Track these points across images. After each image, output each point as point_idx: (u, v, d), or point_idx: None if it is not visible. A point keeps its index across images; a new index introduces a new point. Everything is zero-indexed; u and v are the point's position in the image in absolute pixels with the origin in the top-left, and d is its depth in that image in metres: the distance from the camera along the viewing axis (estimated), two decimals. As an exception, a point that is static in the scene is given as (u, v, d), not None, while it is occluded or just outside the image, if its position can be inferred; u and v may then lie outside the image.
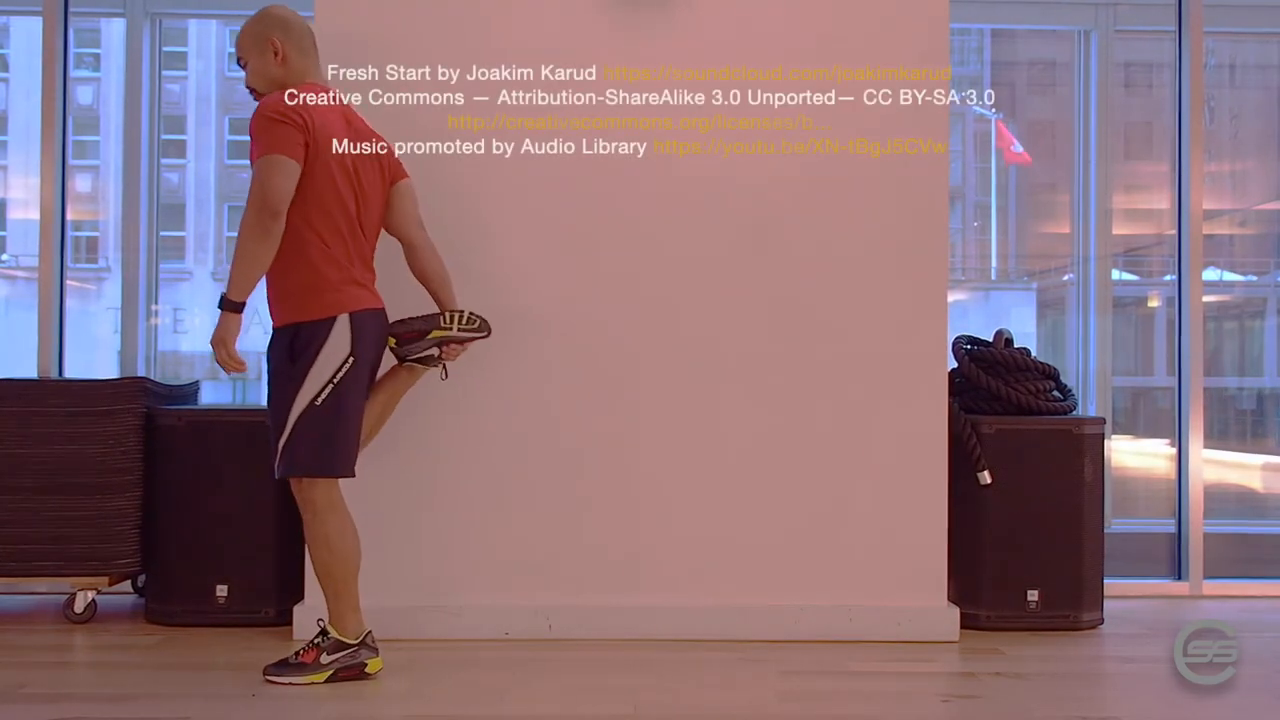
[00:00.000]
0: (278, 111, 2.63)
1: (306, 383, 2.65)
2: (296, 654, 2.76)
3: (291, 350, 2.68)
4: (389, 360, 2.91)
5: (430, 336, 2.87)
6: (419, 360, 2.90)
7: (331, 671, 2.73)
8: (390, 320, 2.86)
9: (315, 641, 2.76)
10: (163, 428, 3.35)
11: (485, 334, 2.92)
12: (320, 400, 2.66)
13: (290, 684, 2.71)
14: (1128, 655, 3.14)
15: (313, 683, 2.71)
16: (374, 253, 2.86)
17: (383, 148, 2.87)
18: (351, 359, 2.68)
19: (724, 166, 3.21)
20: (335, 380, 2.67)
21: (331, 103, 2.77)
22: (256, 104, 2.73)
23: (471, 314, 2.90)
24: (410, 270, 2.95)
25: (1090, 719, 2.59)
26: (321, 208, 2.68)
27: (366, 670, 2.76)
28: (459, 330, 2.88)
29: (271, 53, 2.76)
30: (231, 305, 2.62)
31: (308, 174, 2.65)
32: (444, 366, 2.94)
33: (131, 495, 3.36)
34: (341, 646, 2.74)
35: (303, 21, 2.85)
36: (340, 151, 2.72)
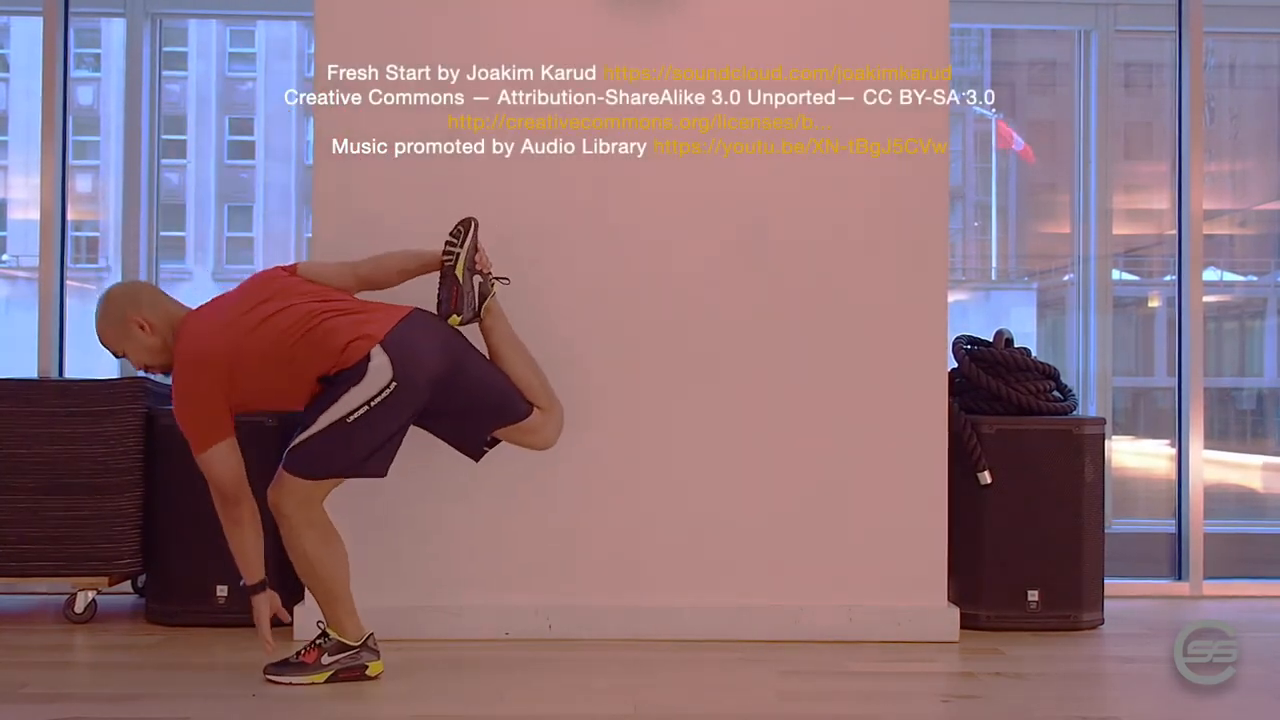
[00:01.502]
0: (188, 412, 2.65)
1: (341, 401, 2.62)
2: (298, 654, 2.76)
3: (332, 380, 2.66)
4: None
5: (459, 276, 2.79)
6: (483, 301, 2.85)
7: (332, 672, 2.73)
8: (432, 314, 2.81)
9: (316, 642, 2.76)
10: (163, 428, 3.35)
11: (473, 221, 2.84)
12: (352, 418, 2.62)
13: (290, 684, 2.71)
14: (1128, 655, 3.14)
15: (313, 683, 2.71)
16: (355, 298, 2.84)
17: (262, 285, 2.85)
18: (394, 384, 2.63)
19: (724, 166, 3.21)
20: (373, 403, 2.62)
21: (207, 319, 2.74)
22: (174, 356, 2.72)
23: (449, 233, 2.83)
24: (393, 286, 2.92)
25: (1090, 719, 2.60)
26: (285, 344, 2.66)
27: (367, 673, 2.76)
28: (462, 247, 2.80)
29: (137, 329, 2.75)
30: (251, 590, 2.73)
31: (254, 371, 2.65)
32: (494, 280, 2.88)
33: (131, 495, 3.37)
34: (343, 648, 2.74)
35: (141, 285, 2.96)
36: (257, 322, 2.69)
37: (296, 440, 2.66)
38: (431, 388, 2.71)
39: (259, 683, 2.72)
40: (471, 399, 2.83)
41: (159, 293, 2.87)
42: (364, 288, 2.91)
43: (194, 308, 2.83)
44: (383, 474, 2.75)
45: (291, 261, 2.98)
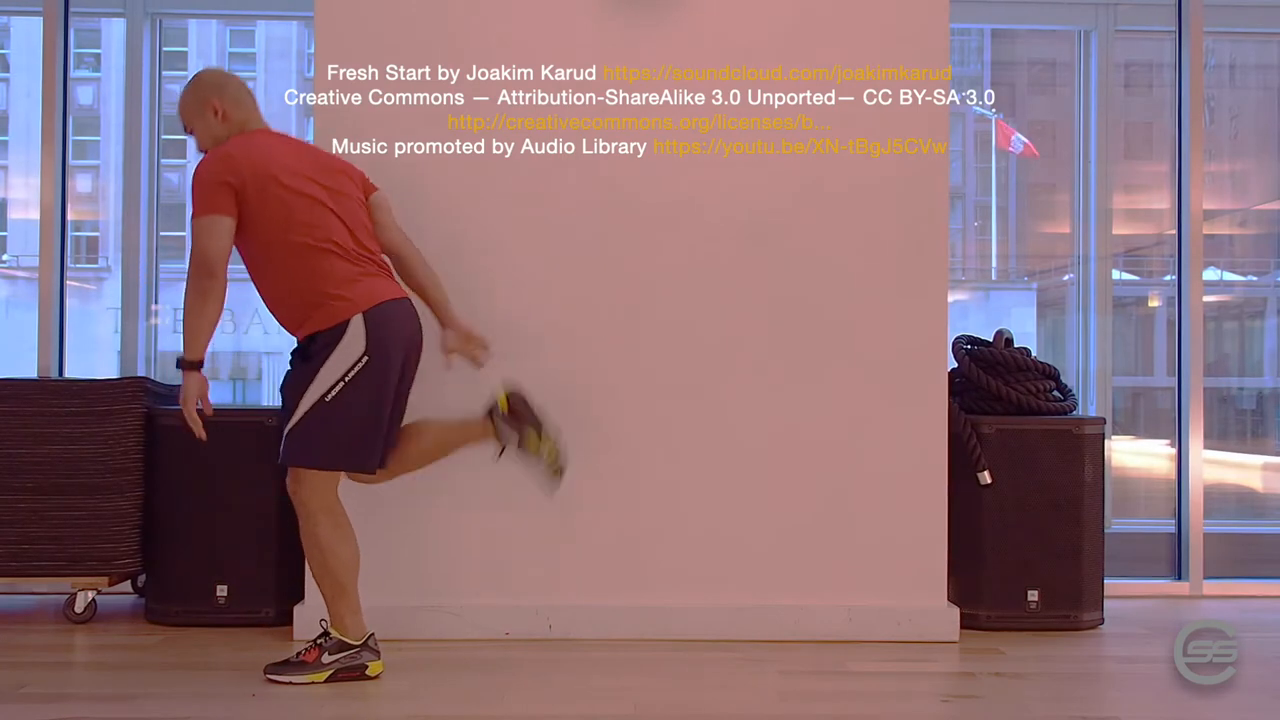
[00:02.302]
0: (205, 173, 2.68)
1: (317, 379, 2.67)
2: (299, 654, 2.76)
3: (306, 352, 2.71)
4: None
5: (525, 438, 2.82)
6: (498, 432, 2.84)
7: (331, 671, 2.73)
8: (414, 309, 2.83)
9: (317, 641, 2.76)
10: (163, 428, 3.35)
11: (559, 473, 2.87)
12: (330, 397, 2.66)
13: (290, 683, 2.71)
14: (1128, 655, 3.14)
15: (312, 682, 2.72)
16: (380, 256, 2.86)
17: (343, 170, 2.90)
18: (366, 358, 2.67)
19: (724, 166, 3.22)
20: (346, 378, 2.66)
21: (273, 140, 2.80)
22: None
23: (554, 453, 2.85)
24: (404, 282, 2.93)
25: (1090, 719, 2.60)
26: (298, 230, 2.69)
27: (367, 672, 2.76)
28: (547, 461, 2.84)
29: (211, 113, 2.81)
30: (189, 364, 2.67)
31: (263, 209, 2.68)
32: (503, 448, 2.87)
33: (131, 495, 3.36)
34: (344, 647, 2.75)
35: (235, 78, 2.90)
36: (298, 178, 2.73)
37: (287, 429, 2.70)
38: (399, 370, 2.75)
39: (259, 683, 2.72)
40: (397, 408, 2.84)
41: (248, 94, 2.88)
42: (387, 254, 2.92)
43: (268, 128, 2.87)
44: (374, 469, 2.77)
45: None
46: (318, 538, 2.72)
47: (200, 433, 2.69)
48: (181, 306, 2.66)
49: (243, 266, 2.79)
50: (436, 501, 3.20)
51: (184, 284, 2.66)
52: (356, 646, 2.75)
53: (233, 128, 2.81)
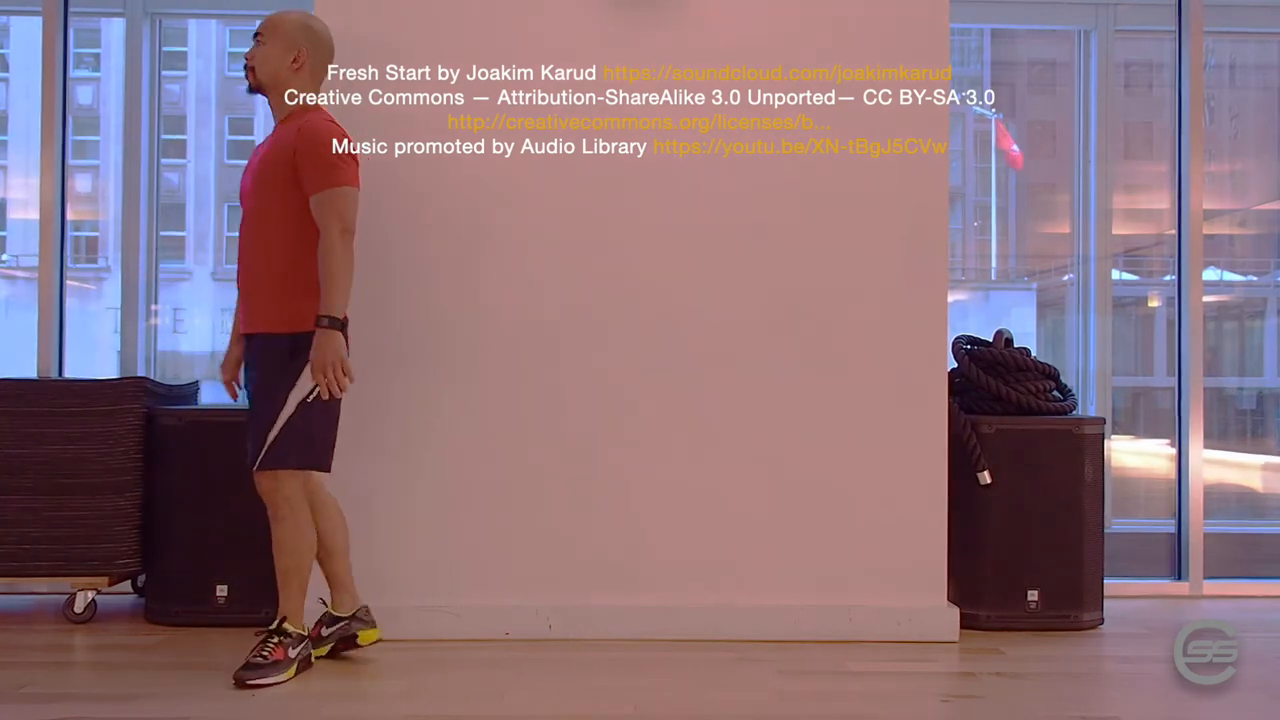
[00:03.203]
0: (341, 141, 2.79)
1: (300, 382, 2.72)
2: (262, 654, 2.73)
3: (290, 352, 2.73)
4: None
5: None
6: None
7: (297, 664, 2.77)
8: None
9: (277, 640, 2.75)
10: (163, 428, 3.35)
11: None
12: (312, 398, 2.72)
13: (275, 683, 2.70)
14: (1128, 655, 3.15)
15: (288, 679, 2.73)
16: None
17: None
18: None
19: (724, 166, 3.21)
20: None
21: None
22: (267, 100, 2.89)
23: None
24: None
25: (1090, 719, 2.60)
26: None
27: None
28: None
29: (293, 57, 2.86)
30: (339, 323, 2.70)
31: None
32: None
33: (131, 495, 3.36)
34: (302, 639, 2.80)
35: (330, 49, 2.95)
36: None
37: (273, 433, 2.71)
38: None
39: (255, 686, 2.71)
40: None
41: (325, 71, 2.95)
42: None
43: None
44: (329, 468, 2.83)
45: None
46: (297, 533, 2.77)
47: (342, 390, 2.71)
48: (328, 271, 2.70)
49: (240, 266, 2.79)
50: (436, 501, 3.20)
51: (327, 250, 2.70)
52: (307, 635, 2.83)
53: (297, 84, 2.86)
